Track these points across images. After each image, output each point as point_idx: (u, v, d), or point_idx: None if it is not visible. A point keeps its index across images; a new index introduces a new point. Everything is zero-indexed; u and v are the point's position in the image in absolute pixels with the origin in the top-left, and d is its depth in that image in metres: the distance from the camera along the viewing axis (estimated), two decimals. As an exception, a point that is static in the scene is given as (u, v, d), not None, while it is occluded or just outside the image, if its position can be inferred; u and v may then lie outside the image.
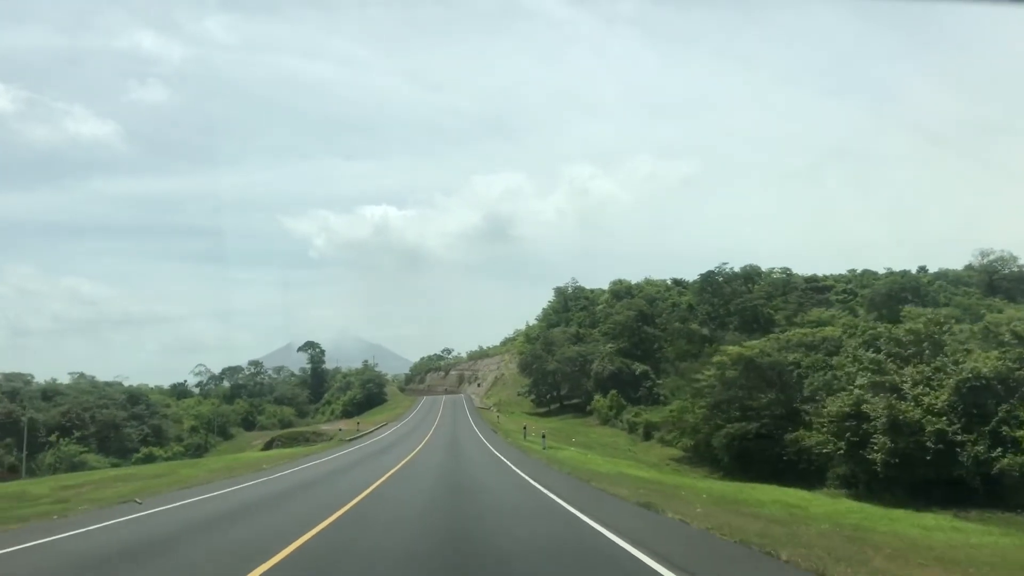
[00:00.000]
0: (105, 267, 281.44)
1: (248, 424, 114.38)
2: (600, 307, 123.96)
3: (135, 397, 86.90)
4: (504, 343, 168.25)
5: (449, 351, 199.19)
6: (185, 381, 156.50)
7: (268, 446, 62.80)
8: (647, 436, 67.36)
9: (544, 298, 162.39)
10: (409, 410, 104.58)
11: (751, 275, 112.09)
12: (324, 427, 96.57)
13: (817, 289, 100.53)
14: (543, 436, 42.39)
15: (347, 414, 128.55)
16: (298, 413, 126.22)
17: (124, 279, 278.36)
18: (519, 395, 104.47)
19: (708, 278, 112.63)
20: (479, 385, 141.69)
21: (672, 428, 60.45)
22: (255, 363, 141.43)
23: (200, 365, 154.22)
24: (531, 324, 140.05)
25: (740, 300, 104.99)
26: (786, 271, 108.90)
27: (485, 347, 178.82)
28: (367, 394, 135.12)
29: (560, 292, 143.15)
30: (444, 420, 76.48)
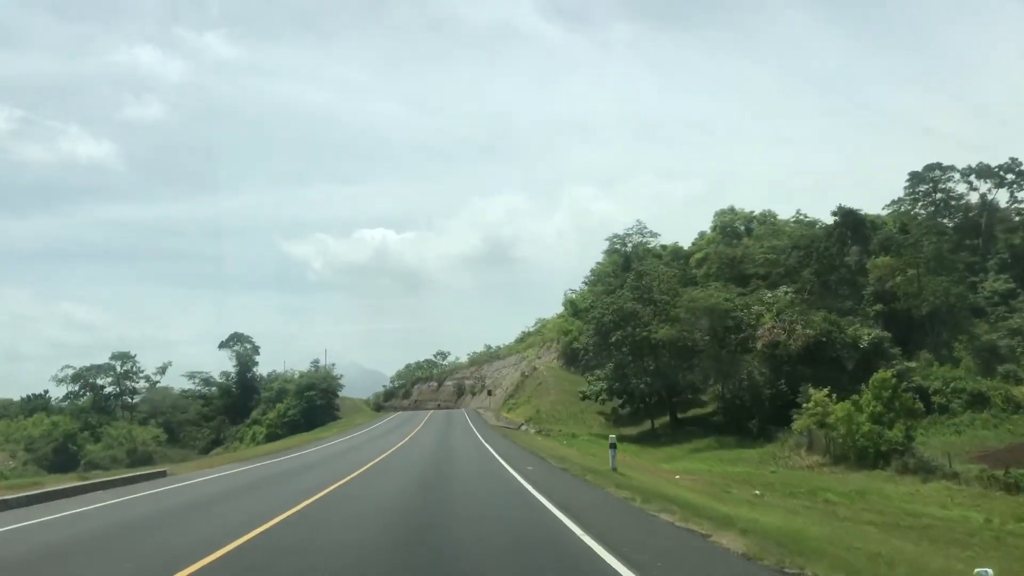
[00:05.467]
0: (101, 292, 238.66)
1: (66, 461, 60.74)
2: (701, 254, 71.14)
3: None
4: (522, 339, 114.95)
5: (444, 355, 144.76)
6: (46, 392, 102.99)
7: None
8: None
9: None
10: (346, 432, 51.81)
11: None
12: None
13: None
14: None
15: (273, 437, 75.98)
16: (174, 438, 73.05)
17: (121, 304, 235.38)
18: (584, 399, 50.95)
19: (921, 179, 60.08)
20: (490, 394, 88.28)
21: None
22: (123, 355, 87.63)
23: (66, 367, 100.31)
24: (572, 295, 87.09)
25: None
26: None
27: (495, 347, 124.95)
28: (307, 407, 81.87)
29: (615, 250, 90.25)
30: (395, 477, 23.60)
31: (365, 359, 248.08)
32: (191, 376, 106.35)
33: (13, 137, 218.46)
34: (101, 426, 66.36)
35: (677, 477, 27.41)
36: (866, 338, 41.15)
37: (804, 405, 34.07)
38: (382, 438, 40.01)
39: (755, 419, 41.06)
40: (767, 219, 72.54)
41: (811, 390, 34.39)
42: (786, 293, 46.43)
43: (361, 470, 20.03)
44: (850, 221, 49.99)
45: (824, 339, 40.16)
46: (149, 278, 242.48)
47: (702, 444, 41.77)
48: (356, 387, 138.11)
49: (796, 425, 36.31)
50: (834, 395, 33.55)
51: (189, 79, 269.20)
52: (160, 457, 63.74)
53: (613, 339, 46.86)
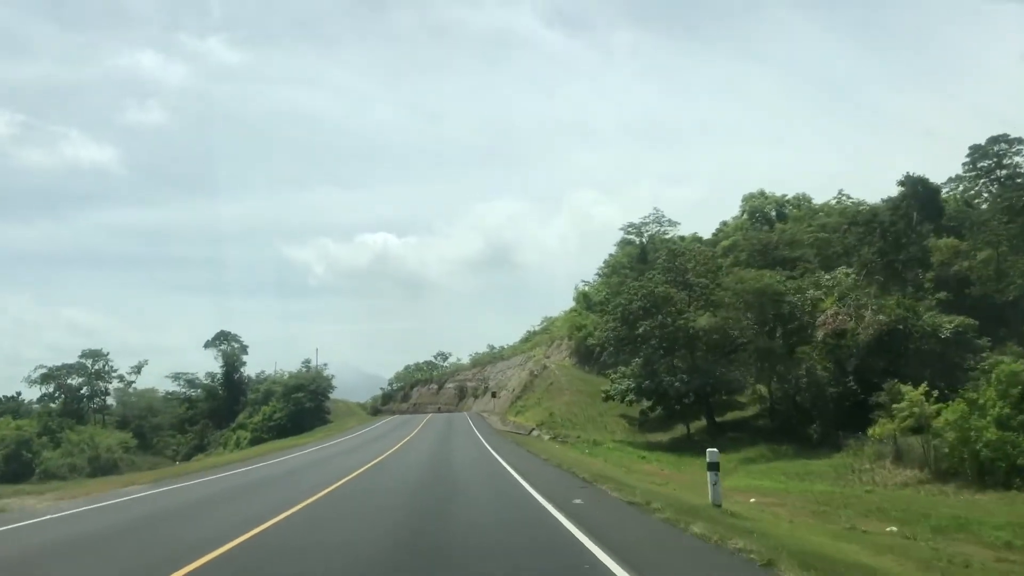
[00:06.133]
0: (103, 297, 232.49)
1: (20, 469, 53.80)
2: (728, 241, 64.39)
3: None
4: (528, 339, 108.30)
5: (445, 356, 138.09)
6: (18, 394, 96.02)
7: None
8: None
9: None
10: (329, 438, 45.18)
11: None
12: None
13: None
14: None
15: (258, 442, 69.66)
16: (146, 444, 66.18)
17: (122, 309, 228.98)
18: (607, 400, 43.82)
19: (984, 154, 53.41)
20: (495, 396, 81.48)
21: None
22: (94, 353, 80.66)
23: (40, 367, 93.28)
24: (585, 288, 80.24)
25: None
26: None
27: (498, 347, 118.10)
28: (294, 410, 75.16)
29: (629, 241, 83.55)
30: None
31: (367, 364, 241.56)
32: (175, 377, 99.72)
33: (15, 142, 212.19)
34: (63, 430, 59.57)
35: (752, 500, 20.67)
36: (947, 326, 34.31)
37: (894, 406, 27.17)
38: (368, 446, 33.23)
39: (816, 423, 34.22)
40: (801, 202, 65.84)
41: (901, 386, 27.52)
42: (847, 274, 39.65)
43: (319, 495, 13.26)
44: (919, 193, 43.14)
45: (901, 327, 33.33)
46: (151, 283, 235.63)
47: (752, 453, 34.90)
48: (358, 392, 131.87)
49: (876, 430, 29.50)
50: (934, 393, 26.74)
51: (191, 84, 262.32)
52: (127, 465, 57.03)
53: (641, 330, 39.95)
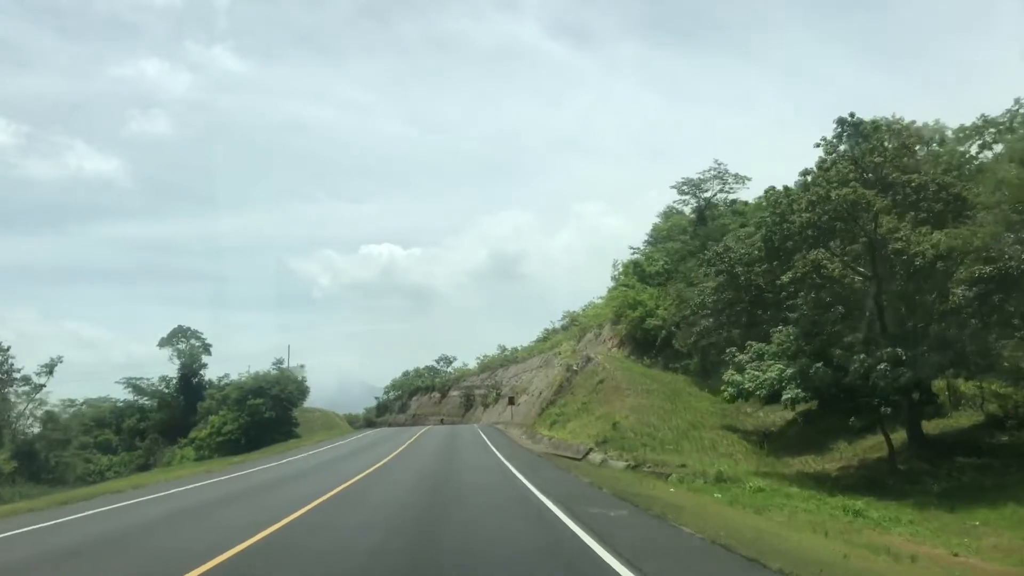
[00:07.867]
0: (106, 310, 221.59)
1: None
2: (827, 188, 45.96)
3: None
4: (546, 338, 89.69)
5: (449, 360, 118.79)
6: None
7: None
8: None
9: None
10: (248, 464, 27.65)
11: None
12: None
13: None
14: None
15: (205, 460, 52.28)
16: (40, 469, 48.39)
17: (126, 322, 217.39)
18: (732, 400, 25.03)
19: None
20: (512, 403, 63.27)
21: None
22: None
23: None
24: (635, 255, 62.04)
25: None
26: None
27: (509, 348, 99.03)
28: (250, 421, 57.38)
29: (679, 210, 65.19)
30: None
31: (372, 376, 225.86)
32: (126, 383, 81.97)
33: (19, 152, 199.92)
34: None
35: None
36: None
37: None
38: (272, 493, 15.45)
39: None
40: (934, 134, 47.98)
41: None
42: None
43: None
44: None
45: None
46: (154, 295, 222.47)
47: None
48: (362, 404, 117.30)
49: None
50: None
51: (195, 95, 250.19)
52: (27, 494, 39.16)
53: (792, 272, 21.90)
